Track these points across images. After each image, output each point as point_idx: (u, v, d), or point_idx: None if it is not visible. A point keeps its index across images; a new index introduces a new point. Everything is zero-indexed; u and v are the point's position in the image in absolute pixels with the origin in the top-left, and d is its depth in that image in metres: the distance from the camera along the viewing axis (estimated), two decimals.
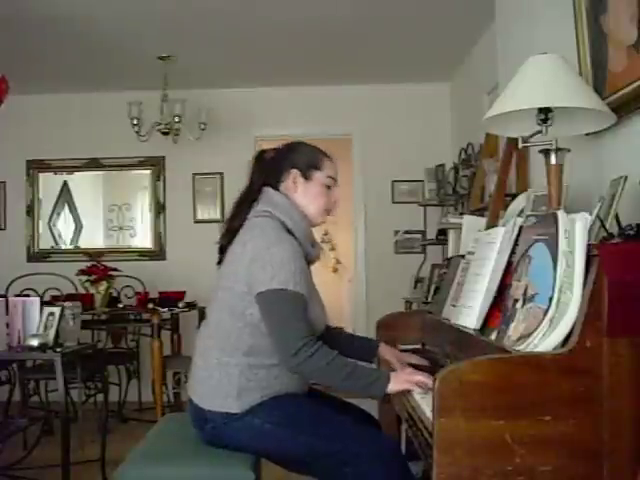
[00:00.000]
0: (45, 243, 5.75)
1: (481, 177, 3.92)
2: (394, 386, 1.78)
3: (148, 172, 5.73)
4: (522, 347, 1.39)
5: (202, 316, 4.31)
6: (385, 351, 2.22)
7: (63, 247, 5.77)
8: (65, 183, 5.76)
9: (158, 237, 5.72)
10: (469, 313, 1.82)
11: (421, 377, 1.77)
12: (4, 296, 3.67)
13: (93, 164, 5.71)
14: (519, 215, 2.06)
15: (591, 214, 1.50)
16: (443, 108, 5.54)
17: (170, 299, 4.73)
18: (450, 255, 2.81)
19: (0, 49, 4.35)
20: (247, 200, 2.00)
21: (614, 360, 1.30)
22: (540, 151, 1.87)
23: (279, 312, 1.79)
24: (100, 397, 4.33)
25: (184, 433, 1.97)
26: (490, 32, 3.90)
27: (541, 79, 1.79)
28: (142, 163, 5.70)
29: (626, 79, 1.86)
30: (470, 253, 2.04)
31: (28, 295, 4.08)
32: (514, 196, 2.67)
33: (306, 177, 1.99)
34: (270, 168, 2.02)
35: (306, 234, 1.96)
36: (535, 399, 1.29)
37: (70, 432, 3.13)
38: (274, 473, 2.04)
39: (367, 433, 1.82)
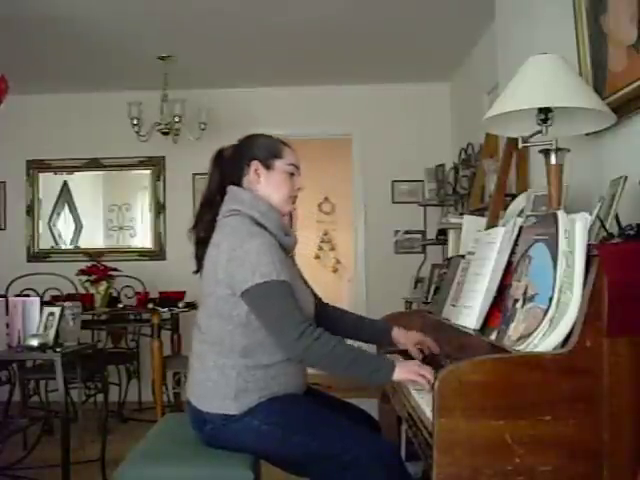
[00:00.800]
0: (45, 243, 5.75)
1: (481, 177, 3.92)
2: (400, 374, 1.76)
3: (148, 172, 5.73)
4: (522, 347, 1.39)
5: None
6: (399, 335, 2.19)
7: (63, 247, 5.77)
8: (65, 183, 5.76)
9: (158, 237, 5.72)
10: (469, 313, 1.82)
11: (427, 372, 1.76)
12: (4, 296, 3.66)
13: (93, 164, 5.71)
14: (519, 215, 2.06)
15: (591, 214, 1.50)
16: (443, 108, 5.54)
17: (170, 299, 4.73)
18: (450, 255, 2.81)
19: (0, 49, 4.35)
20: (209, 204, 2.00)
21: (614, 360, 1.30)
22: (540, 151, 1.87)
23: (270, 305, 1.78)
24: (100, 397, 4.33)
25: (184, 433, 1.97)
26: (490, 32, 3.90)
27: (541, 79, 1.79)
28: (142, 163, 5.70)
29: (626, 79, 1.86)
30: (470, 253, 2.04)
31: (28, 295, 4.08)
32: (514, 196, 2.67)
33: (267, 166, 1.98)
34: (230, 165, 2.02)
35: (278, 224, 1.94)
36: (535, 399, 1.29)
37: (70, 432, 3.13)
38: (273, 473, 2.04)
39: (365, 435, 1.81)
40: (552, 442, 1.28)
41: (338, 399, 2.13)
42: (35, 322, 3.27)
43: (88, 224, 5.77)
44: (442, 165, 5.19)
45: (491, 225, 2.40)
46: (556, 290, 1.36)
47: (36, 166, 5.71)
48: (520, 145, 1.97)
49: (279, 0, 3.90)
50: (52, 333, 3.22)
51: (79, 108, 5.60)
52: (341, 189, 7.27)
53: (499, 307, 1.69)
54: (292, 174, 2.01)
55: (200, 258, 1.97)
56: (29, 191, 5.73)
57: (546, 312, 1.37)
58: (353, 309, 5.93)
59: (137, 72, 5.06)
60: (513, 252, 1.71)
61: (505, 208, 2.58)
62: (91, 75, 5.16)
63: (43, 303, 3.53)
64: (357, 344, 2.06)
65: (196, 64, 4.98)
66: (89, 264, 4.90)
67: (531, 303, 1.46)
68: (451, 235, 3.01)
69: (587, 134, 2.05)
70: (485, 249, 1.86)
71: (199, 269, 1.98)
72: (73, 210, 5.77)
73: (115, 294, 5.07)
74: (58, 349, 3.17)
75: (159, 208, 5.72)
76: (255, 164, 1.97)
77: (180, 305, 4.70)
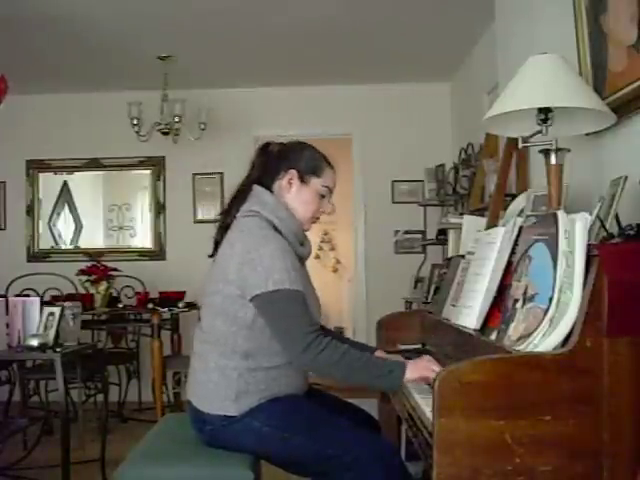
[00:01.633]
0: (45, 243, 5.75)
1: (481, 177, 3.92)
2: (411, 375, 1.76)
3: (148, 172, 5.73)
4: (522, 347, 1.39)
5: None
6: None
7: (63, 247, 5.77)
8: (65, 183, 5.76)
9: (158, 237, 5.73)
10: (469, 313, 1.82)
11: (436, 367, 1.76)
12: (4, 296, 3.66)
13: (93, 164, 5.71)
14: (519, 215, 2.06)
15: (591, 214, 1.50)
16: (443, 108, 5.54)
17: (170, 299, 4.73)
18: (450, 255, 2.81)
19: (0, 49, 4.35)
20: (243, 193, 1.97)
21: (614, 360, 1.30)
22: (540, 151, 1.87)
23: (281, 313, 1.78)
24: (100, 397, 4.33)
25: (184, 433, 1.97)
26: (490, 32, 3.90)
27: (541, 79, 1.79)
28: (142, 163, 5.70)
29: (626, 79, 1.86)
30: (470, 253, 2.04)
31: (28, 295, 4.07)
32: (514, 196, 2.67)
33: (303, 180, 1.97)
34: (271, 163, 2.00)
35: (295, 233, 1.93)
36: (535, 399, 1.29)
37: (70, 432, 3.13)
38: (274, 473, 2.04)
39: (366, 435, 1.81)
40: (552, 442, 1.28)
41: (339, 399, 2.13)
42: (35, 322, 3.27)
43: (88, 224, 5.78)
44: (442, 165, 5.19)
45: (491, 225, 2.40)
46: (556, 290, 1.36)
47: (36, 166, 5.72)
48: (520, 145, 1.97)
49: (279, 0, 3.90)
50: (52, 333, 3.22)
51: (79, 108, 5.60)
52: (341, 189, 7.26)
53: (499, 307, 1.69)
54: (323, 196, 2.00)
55: (218, 243, 1.96)
56: (29, 191, 5.73)
57: (546, 312, 1.37)
58: (353, 309, 5.97)
59: (137, 72, 5.06)
60: (513, 252, 1.71)
61: (505, 208, 2.58)
62: (91, 75, 5.16)
63: (43, 303, 3.52)
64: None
65: (196, 64, 4.98)
66: (89, 264, 4.90)
67: (531, 303, 1.46)
68: (451, 235, 3.01)
69: (587, 134, 2.05)
70: (485, 249, 1.86)
71: (214, 254, 1.97)
72: (73, 210, 5.77)
73: (115, 294, 5.07)
74: (58, 349, 3.17)
75: (159, 208, 5.72)
76: (292, 173, 1.96)
77: (180, 305, 4.70)
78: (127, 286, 5.24)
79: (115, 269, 4.86)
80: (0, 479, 3.28)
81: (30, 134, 5.62)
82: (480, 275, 1.82)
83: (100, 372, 4.34)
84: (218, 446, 1.86)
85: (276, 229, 1.88)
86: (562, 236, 1.40)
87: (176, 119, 4.95)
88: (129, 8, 3.95)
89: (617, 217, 1.60)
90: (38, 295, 4.27)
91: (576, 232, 1.38)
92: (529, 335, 1.39)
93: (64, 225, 5.78)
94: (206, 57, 4.87)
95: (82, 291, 4.70)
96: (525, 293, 1.50)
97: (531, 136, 1.91)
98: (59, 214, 5.77)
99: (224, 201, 2.06)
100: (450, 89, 5.54)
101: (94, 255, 5.46)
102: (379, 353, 2.16)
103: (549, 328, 1.35)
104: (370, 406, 2.23)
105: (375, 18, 4.15)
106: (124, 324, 5.16)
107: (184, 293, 4.80)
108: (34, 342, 3.13)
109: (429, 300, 4.27)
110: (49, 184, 5.76)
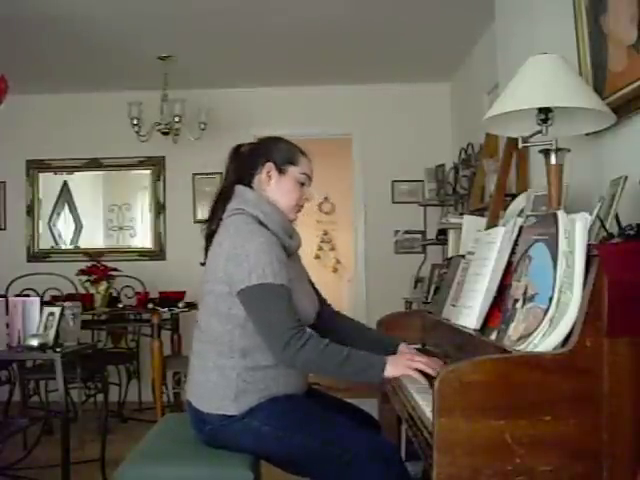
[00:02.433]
0: (45, 243, 5.75)
1: (481, 177, 3.92)
2: (392, 372, 1.75)
3: (148, 172, 5.73)
4: (522, 347, 1.39)
5: None
6: (405, 352, 2.05)
7: (63, 247, 5.77)
8: (65, 183, 5.76)
9: (158, 237, 5.73)
10: (469, 313, 1.82)
11: (421, 364, 1.74)
12: (4, 296, 3.66)
13: (93, 164, 5.71)
14: (519, 215, 2.06)
15: (591, 214, 1.50)
16: (443, 108, 5.54)
17: (170, 299, 4.73)
18: (450, 255, 2.81)
19: (0, 49, 4.35)
20: (222, 199, 1.99)
21: (614, 360, 1.30)
22: (540, 151, 1.87)
23: (262, 307, 1.78)
24: (100, 397, 4.33)
25: (184, 433, 1.97)
26: (490, 32, 3.90)
27: (541, 79, 1.79)
28: (142, 163, 5.70)
29: (626, 79, 1.86)
30: (470, 253, 2.03)
31: (28, 295, 4.07)
32: (514, 196, 2.67)
33: (280, 171, 1.98)
34: (246, 162, 2.01)
35: (281, 225, 1.94)
36: (535, 399, 1.29)
37: (70, 432, 3.13)
38: (274, 473, 2.04)
39: (365, 435, 1.81)
40: (552, 442, 1.28)
41: (338, 399, 2.13)
42: (35, 322, 3.27)
43: (88, 224, 5.78)
44: (442, 165, 5.20)
45: (491, 225, 2.40)
46: (556, 290, 1.36)
47: (36, 166, 5.71)
48: (520, 145, 1.97)
49: (279, 0, 3.90)
50: (52, 333, 3.22)
51: (79, 108, 5.60)
52: (341, 189, 7.28)
53: (499, 307, 1.69)
54: (303, 184, 2.01)
55: (208, 251, 1.97)
56: (29, 191, 5.73)
57: (546, 312, 1.37)
58: (353, 309, 5.97)
59: (137, 72, 5.06)
60: (513, 252, 1.71)
61: (505, 208, 2.58)
62: (91, 75, 5.16)
63: (43, 303, 3.52)
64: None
65: (196, 64, 4.98)
66: (89, 264, 4.90)
67: (531, 303, 1.46)
68: (451, 235, 3.01)
69: (587, 134, 2.05)
70: (485, 249, 1.86)
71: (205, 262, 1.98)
72: (73, 210, 5.77)
73: (115, 294, 5.07)
74: (58, 349, 3.17)
75: (159, 208, 5.72)
76: (269, 166, 1.97)
77: (180, 305, 4.70)
78: (127, 286, 5.24)
79: (115, 269, 4.86)
80: (0, 479, 3.28)
81: (30, 134, 5.61)
82: (480, 275, 1.82)
83: (100, 372, 4.34)
84: (217, 446, 1.86)
85: (262, 224, 1.89)
86: (562, 236, 1.40)
87: (176, 119, 4.96)
88: (129, 8, 3.95)
89: (617, 217, 1.60)
90: (38, 295, 4.27)
91: (576, 232, 1.38)
92: (529, 335, 1.39)
93: (64, 225, 5.78)
94: (206, 57, 4.87)
95: (82, 291, 4.70)
96: (525, 293, 1.50)
97: (531, 136, 1.91)
98: (59, 214, 5.77)
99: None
100: (450, 89, 5.54)
101: (94, 255, 5.46)
102: (404, 347, 2.09)
103: (549, 328, 1.35)
104: (370, 406, 2.23)
105: (375, 18, 4.15)
106: (124, 324, 5.16)
107: (184, 293, 4.80)
108: (34, 342, 3.13)
109: (429, 300, 4.27)
110: (49, 184, 5.76)
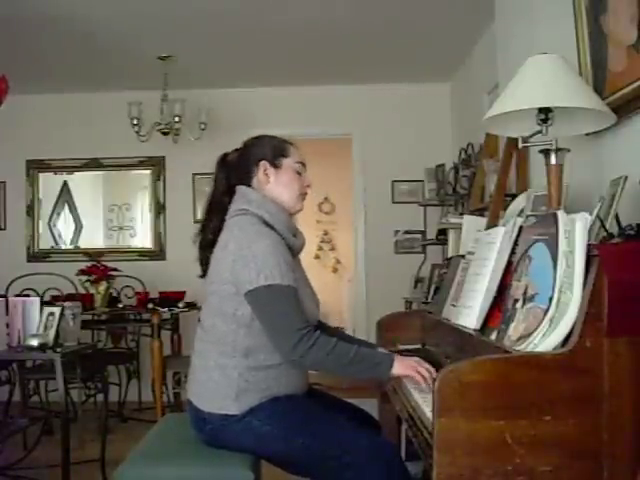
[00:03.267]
0: (45, 243, 5.75)
1: (481, 177, 3.92)
2: (399, 370, 1.78)
3: (148, 172, 5.73)
4: (522, 347, 1.39)
5: None
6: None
7: (63, 247, 5.77)
8: (65, 183, 5.76)
9: (158, 237, 5.73)
10: (469, 313, 1.82)
11: (425, 370, 1.77)
12: (4, 296, 3.66)
13: (93, 164, 5.71)
14: (519, 215, 2.06)
15: (591, 214, 1.50)
16: (443, 108, 5.54)
17: (170, 299, 4.73)
18: (450, 255, 2.81)
19: (0, 49, 4.35)
20: (216, 208, 2.00)
21: (614, 360, 1.30)
22: (540, 151, 1.87)
23: (271, 308, 1.79)
24: (100, 397, 4.33)
25: (184, 433, 1.97)
26: (490, 32, 3.90)
27: (541, 79, 1.79)
28: (142, 163, 5.70)
29: (626, 79, 1.86)
30: (470, 253, 2.04)
31: (28, 295, 4.07)
32: (514, 196, 2.67)
33: (276, 166, 1.99)
34: (237, 168, 2.02)
35: (286, 225, 1.95)
36: (535, 399, 1.29)
37: (70, 432, 3.13)
38: (274, 473, 2.04)
39: (366, 435, 1.81)
40: (552, 442, 1.28)
41: (339, 399, 2.13)
42: (35, 322, 3.27)
43: (88, 224, 5.77)
44: (442, 165, 5.20)
45: (491, 225, 2.40)
46: (556, 290, 1.36)
47: (36, 166, 5.71)
48: (520, 145, 1.97)
49: (279, 0, 3.90)
50: (52, 333, 3.22)
51: (79, 108, 5.60)
52: (341, 189, 7.28)
53: (499, 307, 1.69)
54: (299, 173, 2.02)
55: (204, 263, 1.98)
56: (29, 191, 5.73)
57: (546, 312, 1.37)
58: (353, 309, 5.97)
59: (137, 72, 5.06)
60: (513, 252, 1.71)
61: (505, 208, 2.58)
62: (91, 75, 5.16)
63: (43, 303, 3.52)
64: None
65: (196, 64, 4.98)
66: (89, 264, 4.89)
67: (531, 303, 1.46)
68: (451, 235, 3.01)
69: (587, 134, 2.05)
70: (485, 249, 1.86)
71: (204, 274, 1.99)
72: (73, 210, 5.77)
73: (115, 294, 5.07)
74: (58, 349, 3.17)
75: (159, 208, 5.72)
76: (264, 164, 1.98)
77: (180, 305, 4.70)
78: (127, 286, 5.24)
79: (115, 269, 4.86)
80: (0, 479, 3.28)
81: (30, 134, 5.61)
82: (480, 275, 1.82)
83: (100, 372, 4.34)
84: (218, 445, 1.86)
85: (267, 224, 1.89)
86: (562, 236, 1.40)
87: (176, 119, 4.96)
88: (129, 8, 3.95)
89: (617, 217, 1.60)
90: (38, 295, 4.27)
91: (576, 232, 1.38)
92: (529, 335, 1.39)
93: (64, 225, 5.78)
94: (206, 57, 4.87)
95: (82, 291, 4.70)
96: (525, 293, 1.50)
97: (531, 136, 1.91)
98: (59, 214, 5.77)
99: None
100: (450, 89, 5.54)
101: (94, 255, 5.46)
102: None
103: (549, 328, 1.35)
104: (370, 406, 2.23)
105: (375, 18, 4.15)
106: (124, 324, 5.16)
107: (184, 293, 4.80)
108: (34, 342, 3.13)
109: (429, 300, 4.27)
110: (49, 184, 5.76)
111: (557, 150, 1.82)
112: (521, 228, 1.73)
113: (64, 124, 5.60)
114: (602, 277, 1.31)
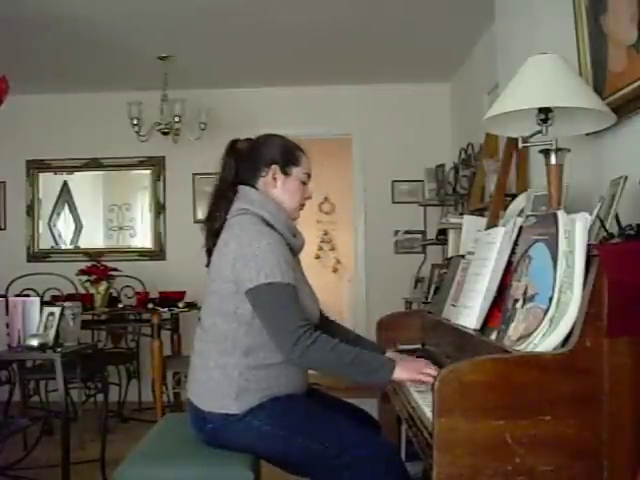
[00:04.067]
0: (45, 243, 5.75)
1: (481, 177, 3.92)
2: (401, 374, 1.77)
3: (148, 172, 5.73)
4: (522, 347, 1.39)
5: None
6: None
7: (63, 247, 5.77)
8: (65, 183, 5.76)
9: (158, 237, 5.73)
10: (469, 313, 1.82)
11: (430, 370, 1.77)
12: (4, 296, 3.66)
13: (93, 164, 5.71)
14: (519, 215, 2.06)
15: (591, 214, 1.50)
16: (443, 108, 5.54)
17: (170, 299, 4.73)
18: (450, 255, 2.81)
19: (1, 49, 4.35)
20: (223, 197, 2.00)
21: (614, 360, 1.30)
22: (540, 151, 1.87)
23: (272, 306, 1.79)
24: (100, 397, 4.33)
25: (184, 433, 1.97)
26: (490, 32, 3.90)
27: (541, 79, 1.79)
28: (142, 163, 5.70)
29: (626, 79, 1.86)
30: (470, 253, 2.04)
31: (28, 295, 4.07)
32: (514, 196, 2.67)
33: (285, 173, 1.99)
34: (247, 162, 2.01)
35: (286, 225, 1.96)
36: (535, 399, 1.29)
37: (70, 432, 3.13)
38: (274, 473, 2.04)
39: (365, 435, 1.81)
40: (552, 442, 1.28)
41: (339, 399, 2.13)
42: (35, 322, 3.27)
43: (88, 224, 5.77)
44: (442, 165, 5.19)
45: (491, 225, 2.40)
46: (556, 290, 1.36)
47: (36, 166, 5.71)
48: (520, 145, 1.97)
49: (280, 0, 3.90)
50: (52, 333, 3.22)
51: (79, 108, 5.60)
52: (341, 189, 7.28)
53: (499, 307, 1.69)
54: (304, 183, 2.02)
55: (211, 251, 1.97)
56: (29, 191, 5.73)
57: (546, 312, 1.37)
58: (353, 309, 5.96)
59: (137, 72, 5.06)
60: (513, 252, 1.71)
61: (505, 208, 2.58)
62: (91, 75, 5.16)
63: (43, 303, 3.52)
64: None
65: (196, 64, 4.98)
66: (89, 264, 4.89)
67: (531, 303, 1.46)
68: (451, 235, 3.01)
69: (587, 134, 2.05)
70: (485, 249, 1.86)
71: (209, 263, 1.98)
72: (73, 210, 5.77)
73: (115, 294, 5.07)
74: (58, 349, 3.17)
75: (159, 208, 5.72)
76: (274, 168, 1.98)
77: (180, 305, 4.70)
78: (127, 286, 5.24)
79: (115, 269, 4.86)
80: (0, 479, 3.28)
81: (30, 134, 5.61)
82: (480, 275, 1.82)
83: (100, 372, 4.34)
84: (218, 445, 1.86)
85: (267, 223, 1.90)
86: (562, 236, 1.40)
87: (176, 119, 4.96)
88: (130, 8, 3.94)
89: (617, 217, 1.60)
90: (38, 295, 4.27)
91: (576, 232, 1.38)
92: (529, 335, 1.39)
93: (64, 225, 5.78)
94: (206, 57, 4.87)
95: (82, 291, 4.70)
96: (525, 293, 1.50)
97: (531, 136, 1.91)
98: (59, 214, 5.77)
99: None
100: (450, 89, 5.54)
101: (94, 255, 5.46)
102: (391, 355, 2.09)
103: (549, 328, 1.35)
104: (370, 406, 2.23)
105: (376, 19, 4.15)
106: (124, 324, 5.16)
107: (184, 293, 4.80)
108: (34, 342, 3.13)
109: (429, 300, 4.27)
110: (49, 184, 5.76)
111: (557, 150, 1.82)
112: (521, 228, 1.73)
113: (64, 124, 5.60)
114: (602, 277, 1.31)
